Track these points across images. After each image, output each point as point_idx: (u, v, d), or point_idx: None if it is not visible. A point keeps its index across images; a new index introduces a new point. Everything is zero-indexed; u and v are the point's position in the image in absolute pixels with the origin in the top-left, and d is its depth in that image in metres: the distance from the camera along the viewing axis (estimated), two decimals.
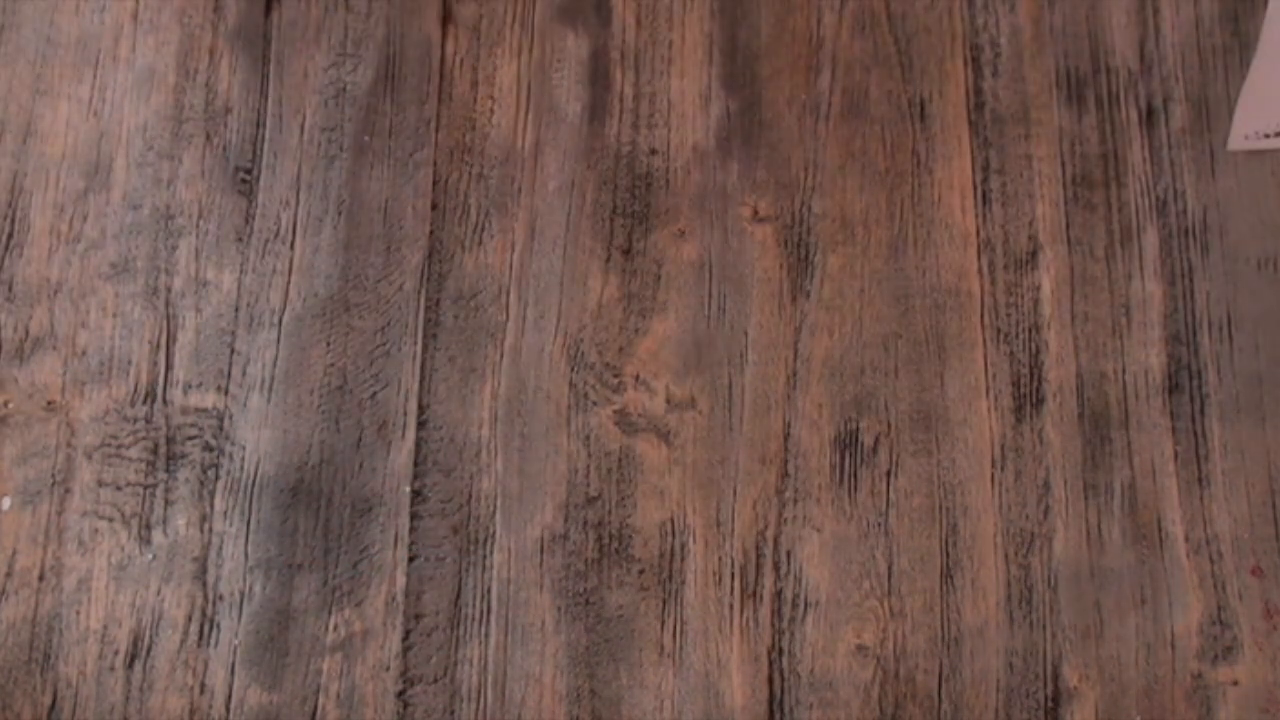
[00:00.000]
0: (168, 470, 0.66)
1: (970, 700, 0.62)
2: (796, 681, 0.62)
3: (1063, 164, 0.70)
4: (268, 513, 0.65)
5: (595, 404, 0.66)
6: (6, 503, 0.65)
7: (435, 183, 0.70)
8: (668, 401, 0.66)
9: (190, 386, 0.68)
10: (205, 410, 0.67)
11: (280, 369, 0.67)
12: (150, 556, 0.65)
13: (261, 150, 0.69)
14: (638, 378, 0.66)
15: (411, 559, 0.64)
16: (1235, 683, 0.62)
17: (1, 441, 0.66)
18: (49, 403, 0.67)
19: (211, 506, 0.65)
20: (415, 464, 0.65)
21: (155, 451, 0.66)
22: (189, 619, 0.64)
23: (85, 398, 0.67)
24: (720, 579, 0.64)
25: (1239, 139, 0.70)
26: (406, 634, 0.63)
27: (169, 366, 0.68)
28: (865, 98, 0.71)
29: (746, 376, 0.67)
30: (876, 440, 0.66)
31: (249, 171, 0.69)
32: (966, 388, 0.67)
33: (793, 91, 0.71)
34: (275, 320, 0.68)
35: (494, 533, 0.65)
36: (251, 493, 0.66)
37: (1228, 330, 0.67)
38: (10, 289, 0.69)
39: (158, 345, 0.68)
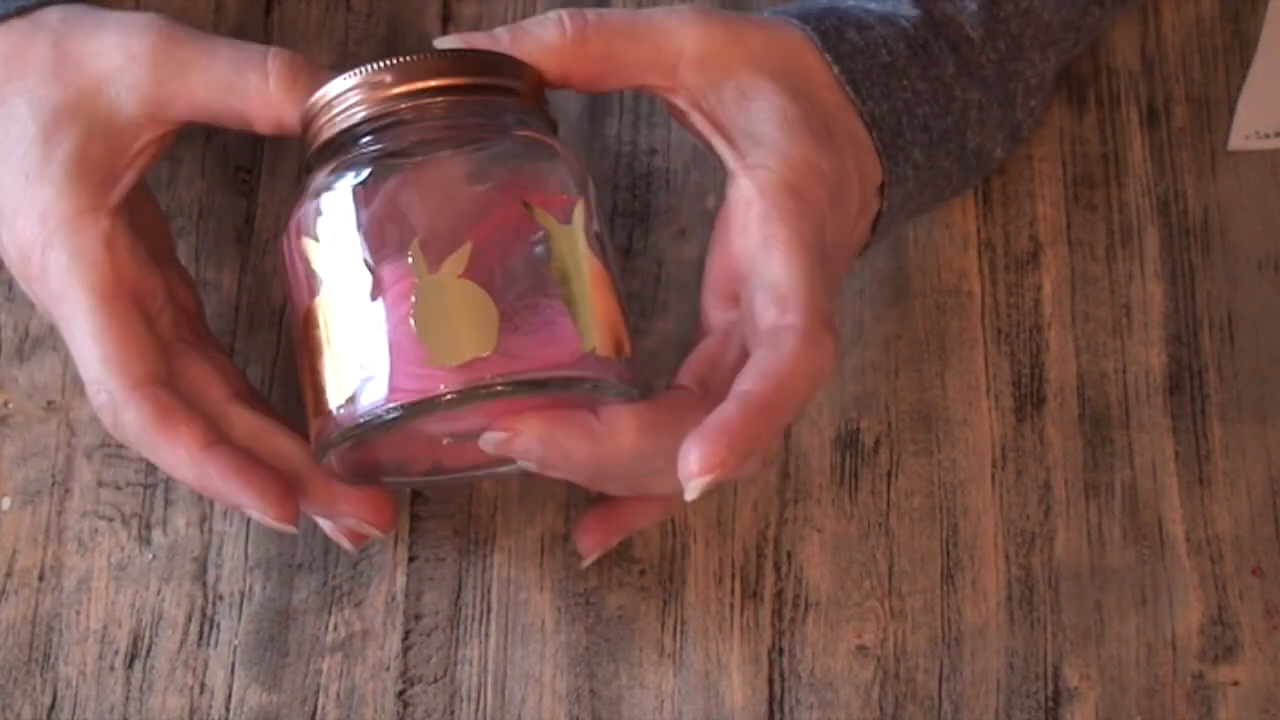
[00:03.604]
0: None
1: (970, 700, 0.62)
2: (797, 682, 0.62)
3: (1063, 164, 0.70)
4: None
5: None
6: (6, 503, 0.65)
7: None
8: None
9: None
10: None
11: (280, 369, 0.67)
12: (150, 556, 0.65)
13: (261, 150, 0.69)
14: None
15: (411, 559, 0.64)
16: (1236, 683, 0.62)
17: (1, 441, 0.66)
18: (49, 403, 0.67)
19: (211, 506, 0.65)
20: None
21: None
22: (189, 619, 0.64)
23: (85, 398, 0.67)
24: (720, 579, 0.64)
25: (1240, 139, 0.70)
26: (406, 634, 0.63)
27: None
28: None
29: None
30: (877, 440, 0.66)
31: (249, 171, 0.69)
32: (967, 388, 0.67)
33: None
34: (275, 320, 0.68)
35: (494, 533, 0.65)
36: None
37: (1228, 330, 0.67)
38: (10, 289, 0.69)
39: None
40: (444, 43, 0.58)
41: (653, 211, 0.69)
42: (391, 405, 0.54)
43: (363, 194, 0.55)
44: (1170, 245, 0.69)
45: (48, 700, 0.62)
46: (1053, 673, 0.62)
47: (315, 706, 0.62)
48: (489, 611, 0.63)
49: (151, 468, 0.66)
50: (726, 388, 0.55)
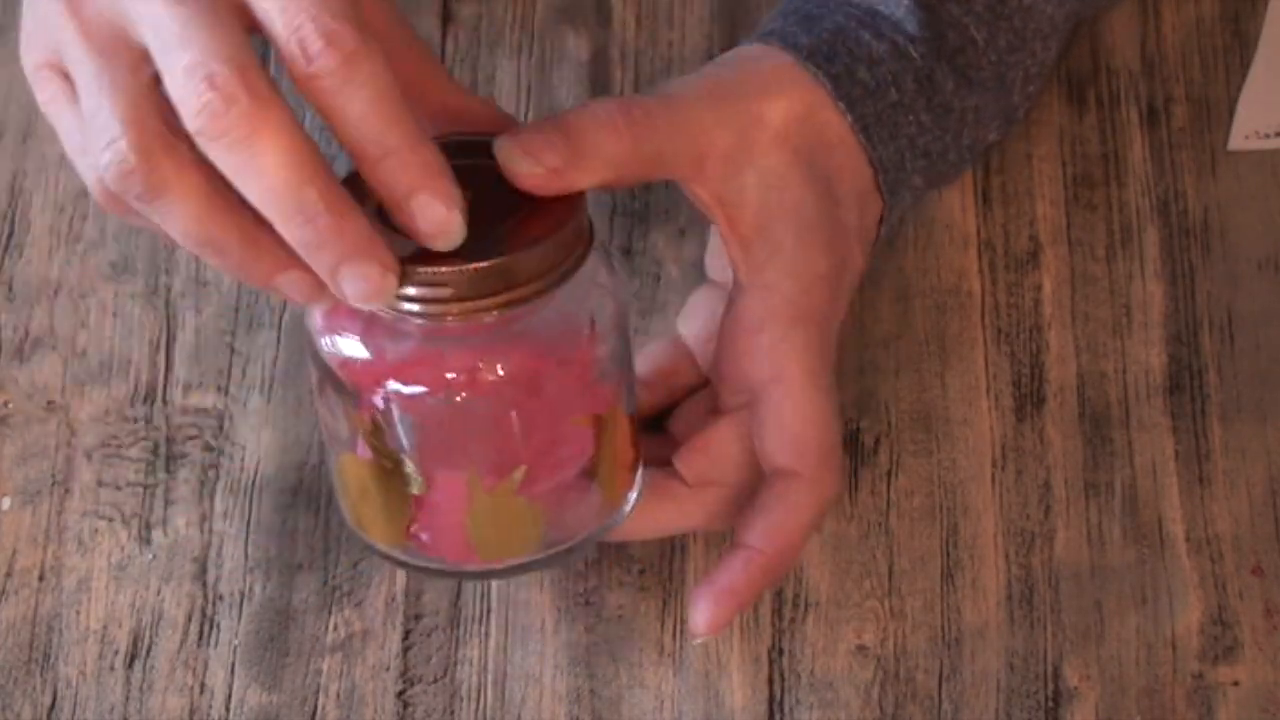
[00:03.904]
0: (168, 470, 0.66)
1: (970, 700, 0.62)
2: (796, 681, 0.62)
3: (1063, 164, 0.70)
4: (268, 513, 0.65)
5: None
6: (6, 503, 0.65)
7: None
8: None
9: (190, 386, 0.67)
10: (205, 410, 0.67)
11: (280, 369, 0.67)
12: (150, 556, 0.65)
13: None
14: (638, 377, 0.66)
15: None
16: (1236, 683, 0.62)
17: (1, 441, 0.66)
18: (49, 403, 0.67)
19: (211, 506, 0.65)
20: None
21: (155, 451, 0.66)
22: (189, 619, 0.64)
23: (85, 398, 0.67)
24: None
25: (1240, 139, 0.70)
26: (406, 634, 0.63)
27: (169, 366, 0.68)
28: None
29: None
30: (877, 440, 0.66)
31: None
32: (967, 388, 0.67)
33: None
34: (275, 320, 0.68)
35: None
36: (251, 493, 0.66)
37: (1228, 330, 0.67)
38: (10, 289, 0.69)
39: (158, 345, 0.68)
40: (506, 152, 0.53)
41: (653, 211, 0.69)
42: (434, 565, 0.58)
43: (420, 409, 0.54)
44: (1170, 245, 0.69)
45: (48, 700, 0.62)
46: (1053, 673, 0.62)
47: (315, 706, 0.62)
48: (489, 611, 0.63)
49: (152, 468, 0.66)
50: (722, 485, 0.60)
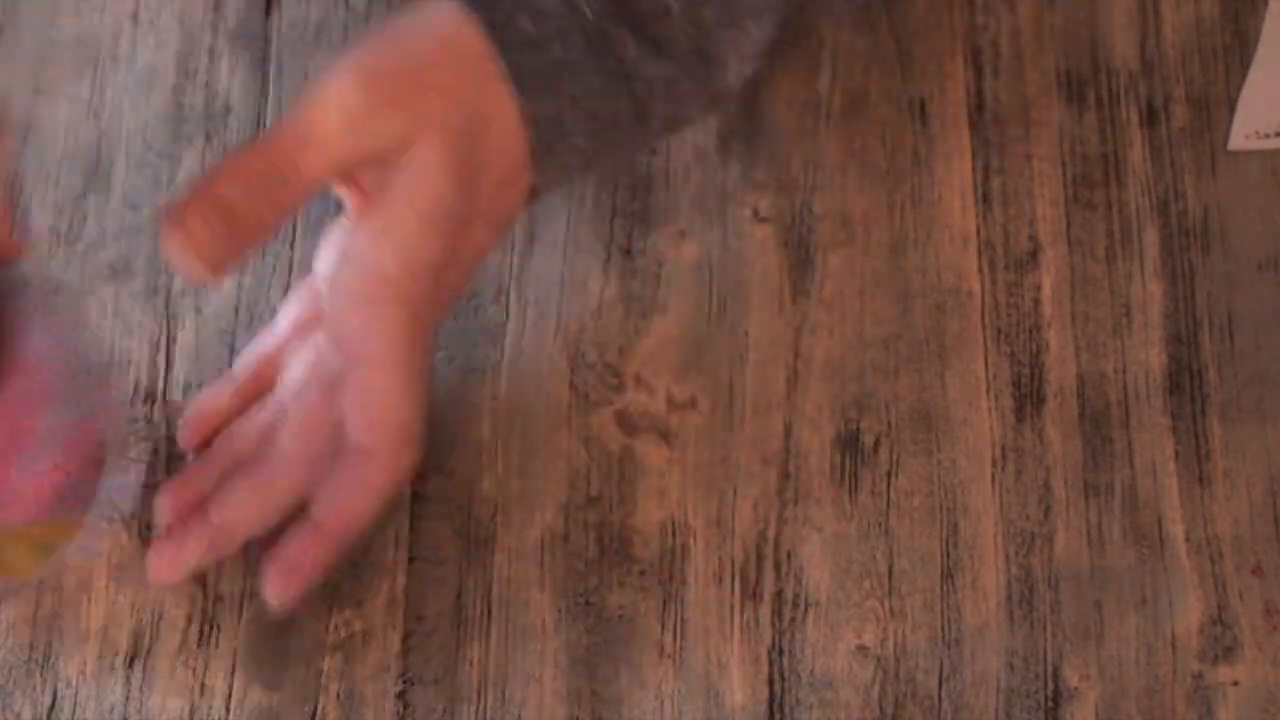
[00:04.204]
0: (168, 470, 0.66)
1: (970, 700, 0.62)
2: (796, 681, 0.62)
3: (1063, 164, 0.70)
4: None
5: (596, 404, 0.66)
6: None
7: None
8: (668, 401, 0.66)
9: (190, 386, 0.67)
10: None
11: None
12: None
13: None
14: (638, 378, 0.66)
15: (412, 559, 0.64)
16: (1236, 683, 0.62)
17: None
18: None
19: None
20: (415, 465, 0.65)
21: (155, 452, 0.66)
22: (189, 619, 0.64)
23: None
24: (720, 579, 0.64)
25: (1240, 139, 0.70)
26: (407, 634, 0.63)
27: (169, 366, 0.68)
28: (865, 97, 0.71)
29: (747, 376, 0.67)
30: (877, 440, 0.66)
31: None
32: (967, 388, 0.67)
33: (792, 91, 0.71)
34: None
35: (494, 533, 0.65)
36: None
37: (1228, 330, 0.67)
38: None
39: (158, 345, 0.68)
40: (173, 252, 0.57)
41: (652, 211, 0.69)
42: None
43: None
44: (1170, 245, 0.69)
45: (48, 700, 0.62)
46: (1053, 673, 0.62)
47: (315, 707, 0.62)
48: (489, 612, 0.63)
49: (152, 468, 0.66)
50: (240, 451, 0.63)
